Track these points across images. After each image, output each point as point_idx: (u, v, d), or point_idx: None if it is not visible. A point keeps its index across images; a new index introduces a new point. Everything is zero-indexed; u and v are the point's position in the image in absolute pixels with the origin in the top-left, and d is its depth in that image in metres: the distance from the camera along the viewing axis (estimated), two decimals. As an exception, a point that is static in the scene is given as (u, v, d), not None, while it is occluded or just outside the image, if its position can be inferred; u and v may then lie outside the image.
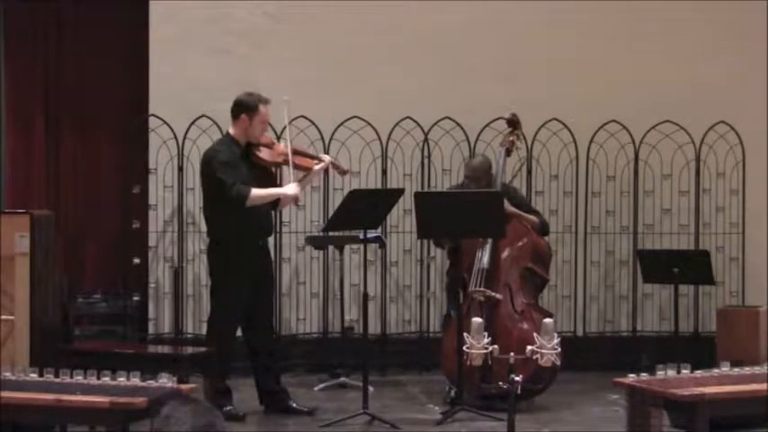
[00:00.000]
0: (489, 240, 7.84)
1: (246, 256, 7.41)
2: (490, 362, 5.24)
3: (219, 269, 7.49)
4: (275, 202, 7.64)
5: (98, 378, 5.58)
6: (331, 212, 8.48)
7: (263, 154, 7.51)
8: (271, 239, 8.03)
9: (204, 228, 9.07)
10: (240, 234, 7.39)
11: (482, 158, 8.31)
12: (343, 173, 7.98)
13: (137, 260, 9.15)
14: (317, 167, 7.62)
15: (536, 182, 9.48)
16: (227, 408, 7.32)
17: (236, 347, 7.62)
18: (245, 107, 7.45)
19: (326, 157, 7.77)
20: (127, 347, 8.07)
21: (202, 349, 7.36)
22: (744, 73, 9.56)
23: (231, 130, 7.54)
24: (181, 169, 9.19)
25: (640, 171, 9.55)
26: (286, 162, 7.49)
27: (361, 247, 8.02)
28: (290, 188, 7.47)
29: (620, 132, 9.47)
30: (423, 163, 9.43)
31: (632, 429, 5.82)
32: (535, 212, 8.29)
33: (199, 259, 9.20)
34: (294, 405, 7.59)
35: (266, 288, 7.67)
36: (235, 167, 7.35)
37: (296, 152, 7.55)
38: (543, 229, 8.22)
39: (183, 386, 5.65)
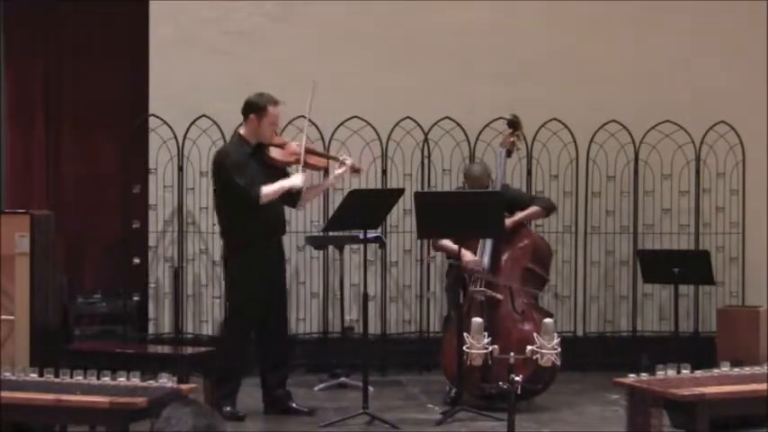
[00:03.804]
0: (489, 240, 7.85)
1: (260, 255, 7.38)
2: (490, 362, 5.24)
3: (234, 269, 7.46)
4: (296, 199, 7.57)
5: (98, 378, 5.59)
6: (331, 212, 8.48)
7: (275, 154, 7.46)
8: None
9: (203, 228, 9.14)
10: (253, 234, 7.36)
11: (481, 166, 8.28)
12: (356, 171, 7.96)
13: (137, 260, 9.15)
14: (337, 172, 7.58)
15: (536, 182, 9.47)
16: (227, 408, 7.32)
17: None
18: (253, 108, 7.40)
19: (345, 159, 7.63)
20: (127, 347, 8.07)
21: (202, 349, 7.34)
22: (744, 73, 9.55)
23: (241, 131, 7.52)
24: (181, 169, 9.19)
25: (640, 171, 9.54)
26: (298, 162, 7.43)
27: (361, 247, 8.02)
28: (296, 178, 7.40)
29: (620, 132, 9.47)
30: (423, 163, 9.43)
31: (632, 429, 5.83)
32: (532, 198, 8.31)
33: (199, 259, 9.21)
34: (294, 405, 7.58)
35: (280, 288, 7.64)
36: (246, 167, 7.33)
37: (309, 152, 7.51)
38: (550, 209, 8.28)
39: (183, 386, 5.65)
